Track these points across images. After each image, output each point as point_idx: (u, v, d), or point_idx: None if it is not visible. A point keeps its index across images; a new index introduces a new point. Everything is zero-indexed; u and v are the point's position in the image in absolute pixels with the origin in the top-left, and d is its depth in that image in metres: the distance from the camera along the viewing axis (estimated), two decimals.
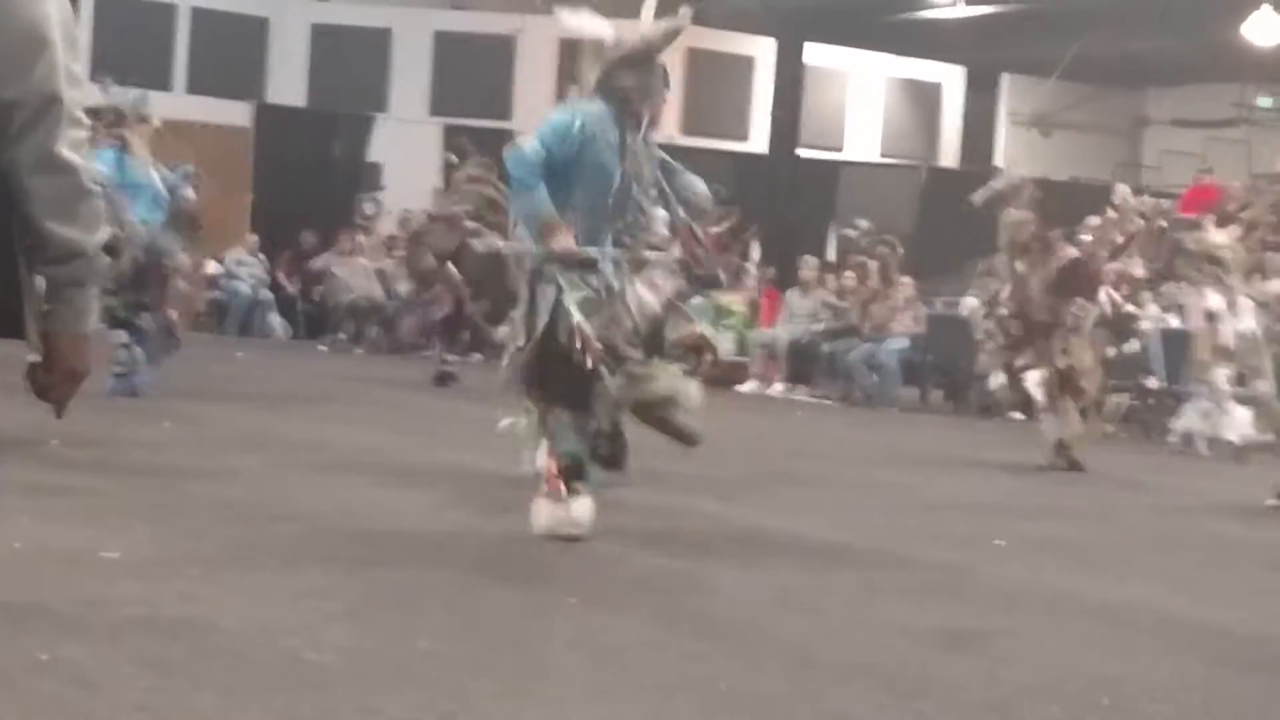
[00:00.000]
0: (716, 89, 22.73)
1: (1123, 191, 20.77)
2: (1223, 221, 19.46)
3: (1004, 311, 11.40)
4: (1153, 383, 15.05)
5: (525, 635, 5.01)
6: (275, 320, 20.35)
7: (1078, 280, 11.41)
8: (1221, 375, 12.36)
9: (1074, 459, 11.09)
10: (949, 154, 24.53)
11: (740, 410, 15.45)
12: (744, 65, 23.12)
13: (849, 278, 17.88)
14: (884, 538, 7.51)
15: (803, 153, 22.56)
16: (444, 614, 5.22)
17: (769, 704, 4.39)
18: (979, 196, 11.44)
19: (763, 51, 22.84)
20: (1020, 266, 11.37)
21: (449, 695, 4.22)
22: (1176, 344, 14.67)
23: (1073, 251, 11.87)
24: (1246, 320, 11.39)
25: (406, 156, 21.03)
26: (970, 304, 14.88)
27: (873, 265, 17.50)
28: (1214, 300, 11.90)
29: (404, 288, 18.33)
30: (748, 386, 17.75)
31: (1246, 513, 9.57)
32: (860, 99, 23.78)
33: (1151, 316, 16.33)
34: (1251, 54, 19.35)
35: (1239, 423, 12.20)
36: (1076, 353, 11.10)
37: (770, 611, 5.65)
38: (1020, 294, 11.26)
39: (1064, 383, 11.03)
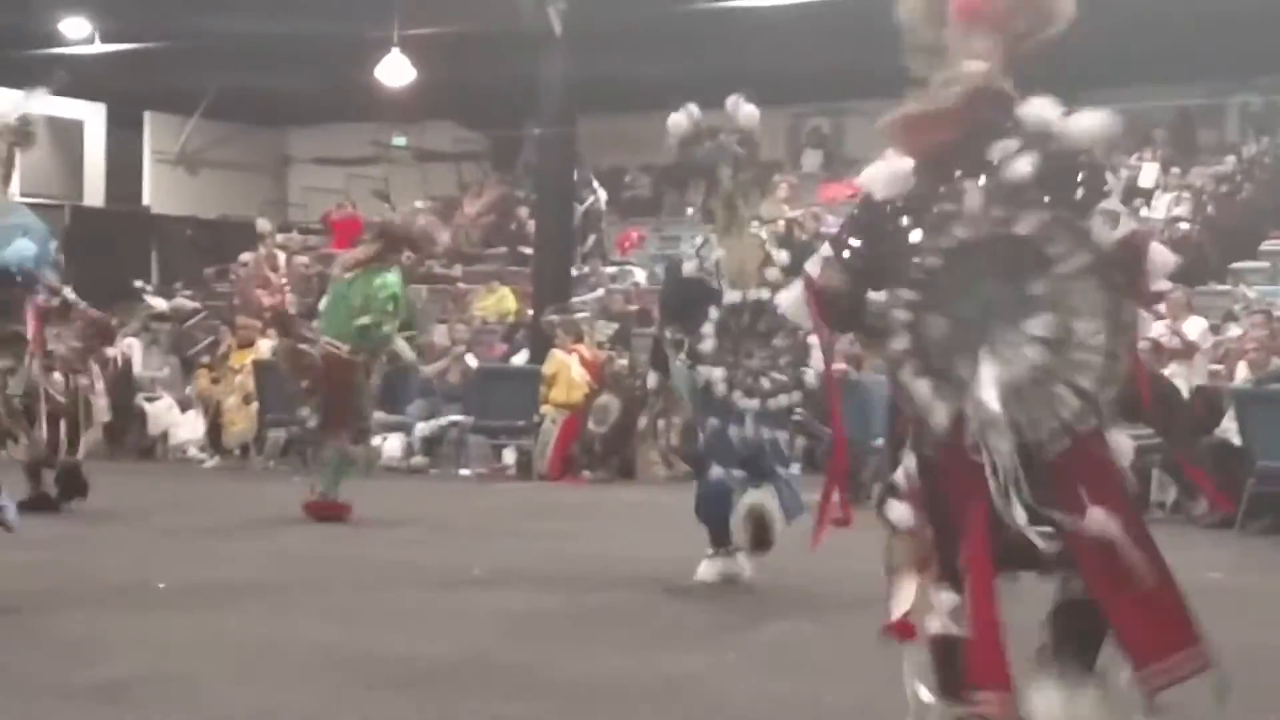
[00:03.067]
0: None
1: (263, 225, 21.15)
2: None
3: None
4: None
5: None
6: None
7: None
8: None
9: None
10: (94, 193, 23.97)
11: None
12: None
13: None
14: (34, 594, 7.21)
15: None
16: None
17: None
18: None
19: None
20: None
21: None
22: None
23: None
24: None
25: None
26: None
27: None
28: None
29: None
30: None
31: (392, 540, 10.00)
32: None
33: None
34: (385, 94, 20.19)
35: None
36: None
37: None
38: None
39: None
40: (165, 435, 16.78)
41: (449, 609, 7.27)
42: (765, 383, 7.69)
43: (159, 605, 7.15)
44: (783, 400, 7.72)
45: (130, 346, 17.07)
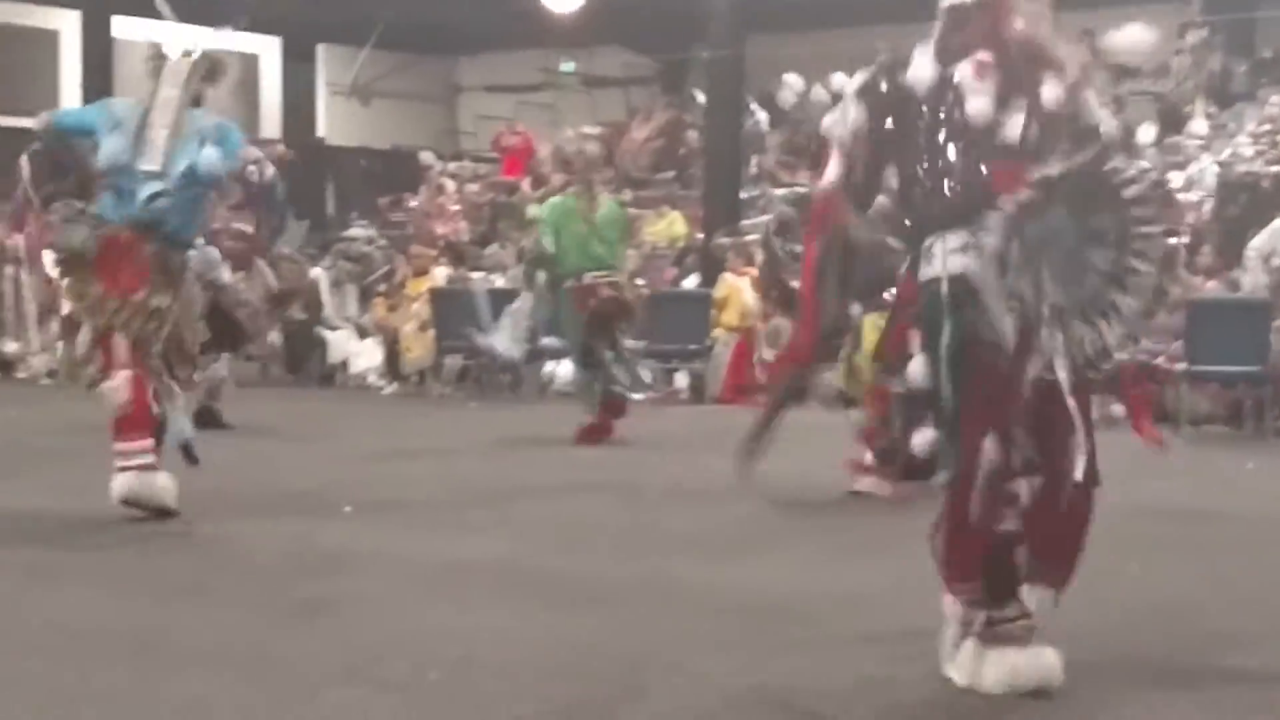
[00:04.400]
0: (20, 64, 21.67)
1: (426, 158, 21.40)
2: (537, 183, 20.44)
3: None
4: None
5: None
6: None
7: None
8: None
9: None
10: (270, 125, 24.40)
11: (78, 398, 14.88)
12: (48, 39, 22.14)
13: None
14: (226, 514, 7.44)
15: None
16: None
17: (108, 696, 4.31)
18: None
19: (67, 24, 21.94)
20: None
21: None
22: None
23: None
24: None
25: None
26: None
27: None
28: None
29: None
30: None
31: (553, 458, 10.14)
32: None
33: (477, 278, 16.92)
34: (553, 20, 20.25)
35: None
36: None
37: (114, 597, 5.53)
38: None
39: None
40: (345, 363, 17.09)
41: (627, 528, 7.37)
42: None
43: (347, 526, 7.33)
44: None
45: (318, 277, 17.36)
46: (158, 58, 7.44)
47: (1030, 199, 4.08)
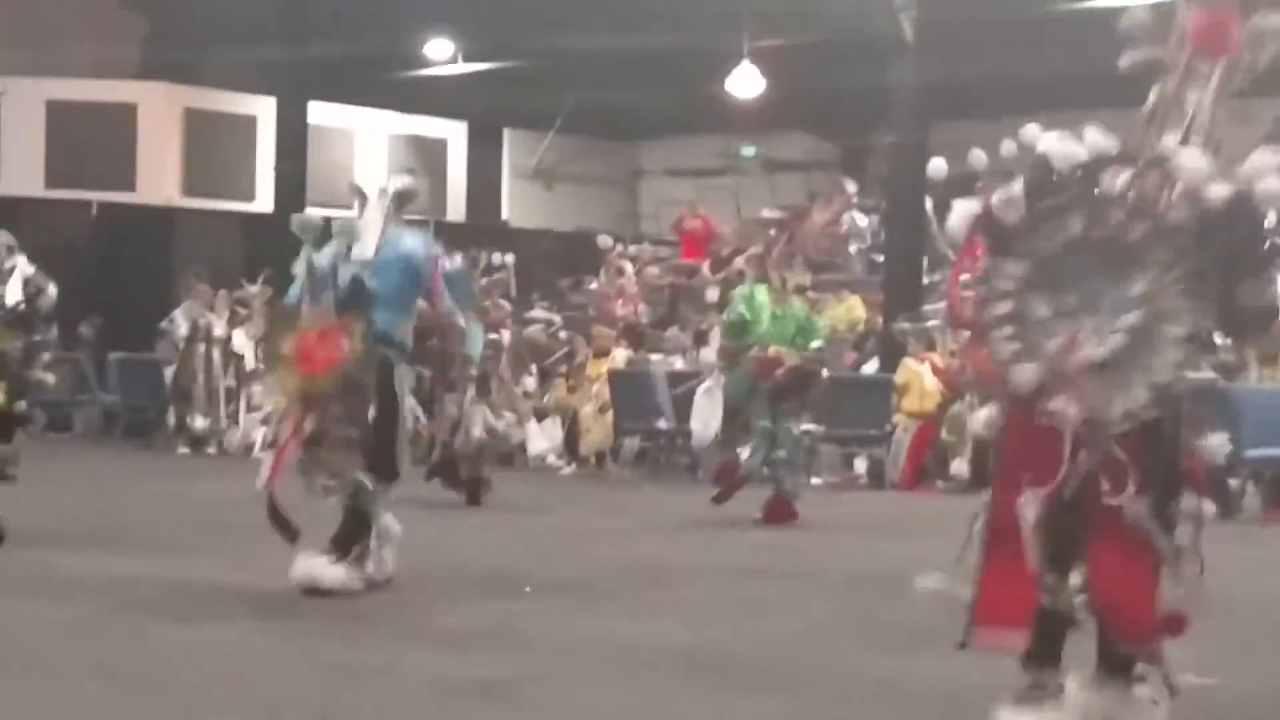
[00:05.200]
0: (218, 150, 22.37)
1: (604, 241, 21.63)
2: (716, 266, 20.52)
3: None
4: (662, 424, 15.62)
5: None
6: None
7: None
8: None
9: None
10: (456, 208, 24.85)
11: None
12: (245, 124, 22.83)
13: None
14: (410, 591, 7.54)
15: (310, 211, 22.41)
16: None
17: None
18: None
19: (264, 110, 22.62)
20: None
21: None
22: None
23: None
24: None
25: None
26: None
27: None
28: None
29: None
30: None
31: (731, 540, 10.10)
32: (366, 156, 23.83)
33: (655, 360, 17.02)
34: (735, 106, 20.39)
35: None
36: None
37: (298, 672, 5.62)
38: None
39: None
40: (523, 443, 17.25)
41: (806, 613, 7.32)
42: None
43: (527, 606, 7.37)
44: None
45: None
46: (359, 195, 8.03)
47: None
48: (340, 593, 7.23)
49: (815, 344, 11.37)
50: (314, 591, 7.23)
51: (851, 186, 21.48)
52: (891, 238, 18.62)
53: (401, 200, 7.98)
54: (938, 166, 9.76)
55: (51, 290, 9.21)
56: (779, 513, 11.16)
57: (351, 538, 7.45)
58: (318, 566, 7.32)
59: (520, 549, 9.58)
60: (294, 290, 7.72)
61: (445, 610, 7.10)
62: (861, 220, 21.14)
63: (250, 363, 17.86)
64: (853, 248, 20.81)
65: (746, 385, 11.21)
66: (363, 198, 8.01)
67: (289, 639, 6.37)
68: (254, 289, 18.13)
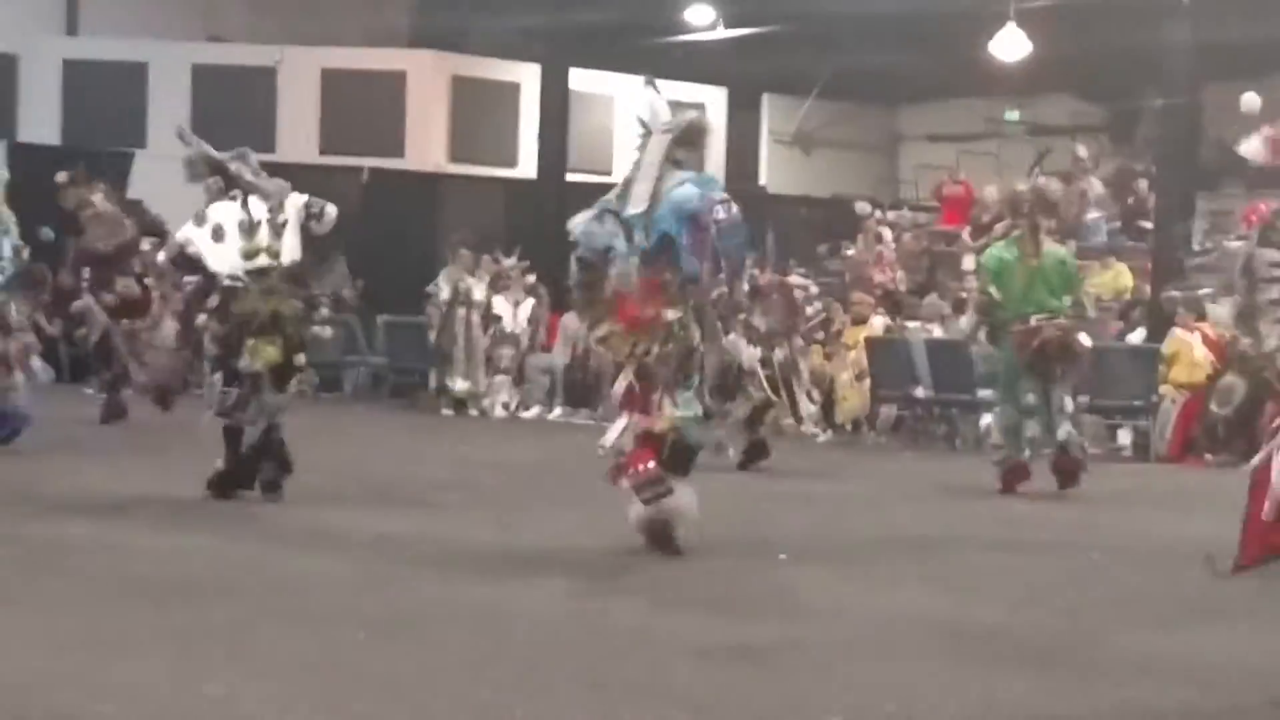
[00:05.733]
0: (483, 116, 22.75)
1: (861, 207, 21.40)
2: (977, 232, 20.18)
3: None
4: (920, 392, 15.47)
5: (315, 671, 4.98)
6: (36, 364, 19.73)
7: None
8: None
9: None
10: (714, 174, 24.88)
11: (521, 436, 15.51)
12: (509, 91, 23.17)
13: None
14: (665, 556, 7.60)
15: (572, 177, 22.69)
16: (231, 658, 5.17)
17: None
18: None
19: (527, 77, 22.94)
20: None
21: None
22: (941, 354, 15.18)
23: None
24: None
25: (168, 192, 20.61)
26: None
27: None
28: None
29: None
30: (531, 412, 17.82)
31: (989, 510, 9.95)
32: (627, 122, 23.95)
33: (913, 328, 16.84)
34: (999, 69, 19.99)
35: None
36: None
37: (560, 633, 5.71)
38: None
39: None
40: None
41: (1065, 588, 7.18)
42: None
43: (782, 572, 7.38)
44: None
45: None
46: (644, 132, 8.07)
47: None
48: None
49: (1070, 301, 11.03)
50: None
51: (1082, 151, 20.95)
52: (1161, 204, 18.08)
53: (689, 137, 7.95)
54: (1251, 100, 9.40)
55: (331, 210, 9.35)
56: (1065, 474, 10.97)
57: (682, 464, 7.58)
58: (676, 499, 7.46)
59: (776, 516, 9.58)
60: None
61: (702, 575, 7.14)
62: (1099, 187, 20.57)
63: (509, 327, 18.21)
64: (1091, 215, 20.24)
65: (1011, 362, 11.02)
66: (645, 136, 8.00)
67: (550, 601, 6.46)
68: (509, 262, 18.45)
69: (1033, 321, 10.89)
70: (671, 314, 7.52)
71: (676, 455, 7.52)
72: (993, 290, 11.06)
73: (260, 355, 8.91)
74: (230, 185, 9.27)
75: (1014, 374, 11.03)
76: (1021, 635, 5.97)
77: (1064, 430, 10.96)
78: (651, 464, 7.42)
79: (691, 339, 7.59)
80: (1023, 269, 10.97)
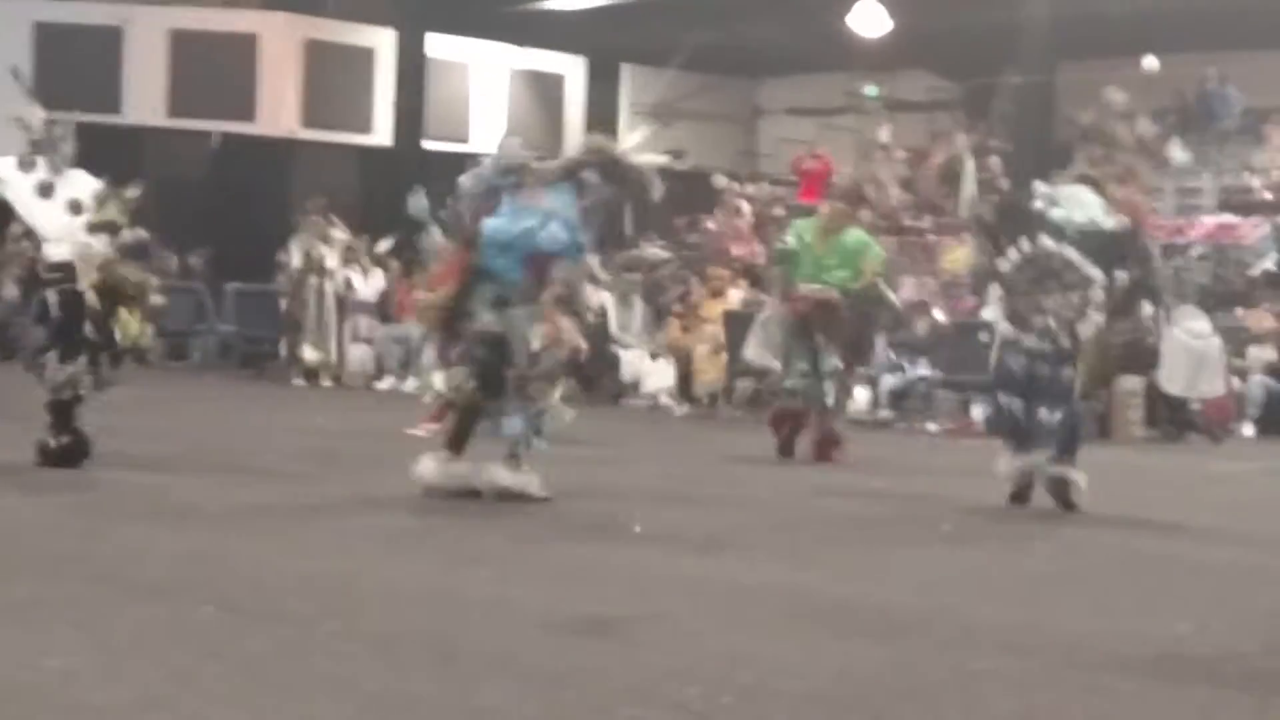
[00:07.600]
0: (337, 81, 22.44)
1: (718, 180, 21.45)
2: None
3: None
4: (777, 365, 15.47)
5: (160, 644, 4.84)
6: None
7: None
8: None
9: None
10: (573, 143, 24.76)
11: (374, 407, 15.32)
12: (364, 57, 22.88)
13: None
14: (521, 528, 7.53)
15: (428, 145, 22.47)
16: (73, 630, 5.00)
17: (414, 703, 4.35)
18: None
19: (383, 42, 22.65)
20: None
21: (81, 714, 4.05)
22: None
23: None
24: None
25: None
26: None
27: None
28: None
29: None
30: (385, 383, 17.61)
31: (855, 490, 9.99)
32: (484, 90, 23.79)
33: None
34: (858, 44, 20.11)
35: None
36: None
37: (410, 608, 5.61)
38: None
39: None
40: (637, 383, 17.22)
41: (913, 561, 7.21)
42: None
43: (636, 545, 7.32)
44: None
45: (605, 297, 17.55)
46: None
47: None
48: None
49: (854, 280, 11.40)
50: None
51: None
52: (1016, 180, 18.28)
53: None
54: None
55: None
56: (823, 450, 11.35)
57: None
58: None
59: (631, 490, 9.53)
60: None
61: (556, 549, 7.07)
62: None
63: (359, 293, 17.97)
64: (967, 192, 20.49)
65: (781, 322, 11.52)
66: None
67: (402, 570, 6.37)
68: (341, 235, 18.09)
69: (804, 289, 11.32)
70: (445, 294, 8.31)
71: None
72: (788, 240, 11.69)
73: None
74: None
75: (789, 338, 11.49)
76: (874, 607, 5.96)
77: (830, 396, 11.39)
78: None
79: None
80: (819, 243, 11.43)
